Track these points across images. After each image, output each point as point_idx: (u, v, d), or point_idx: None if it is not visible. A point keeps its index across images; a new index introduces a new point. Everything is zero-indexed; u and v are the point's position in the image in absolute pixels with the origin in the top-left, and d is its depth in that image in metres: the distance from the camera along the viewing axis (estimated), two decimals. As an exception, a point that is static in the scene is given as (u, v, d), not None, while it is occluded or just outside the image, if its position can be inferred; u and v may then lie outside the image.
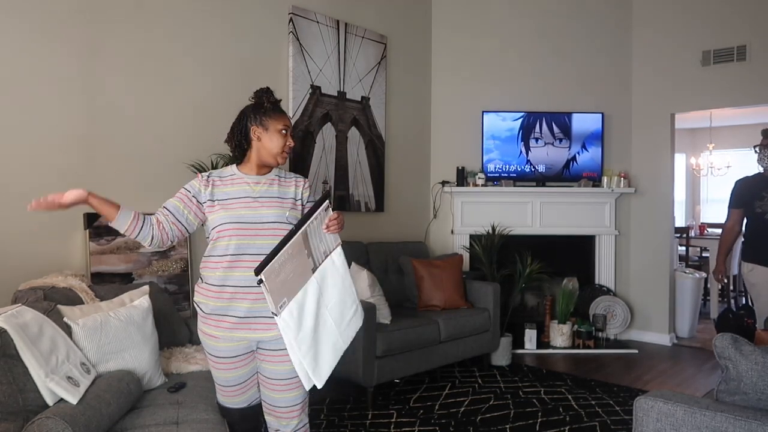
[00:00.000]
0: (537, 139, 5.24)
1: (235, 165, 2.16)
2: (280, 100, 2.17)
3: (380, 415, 3.43)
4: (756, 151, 3.84)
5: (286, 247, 1.84)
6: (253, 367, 2.13)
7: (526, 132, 5.23)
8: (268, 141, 2.08)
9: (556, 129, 5.24)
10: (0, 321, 1.92)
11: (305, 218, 1.92)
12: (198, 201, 2.07)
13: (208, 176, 2.12)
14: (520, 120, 5.22)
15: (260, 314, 2.00)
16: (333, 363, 2.00)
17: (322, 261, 1.99)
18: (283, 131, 2.10)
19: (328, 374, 1.99)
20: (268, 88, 2.14)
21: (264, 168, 2.14)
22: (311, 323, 1.92)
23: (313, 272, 1.95)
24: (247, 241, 1.99)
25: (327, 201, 1.98)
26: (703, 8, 5.01)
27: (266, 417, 2.15)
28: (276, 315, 1.84)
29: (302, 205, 2.15)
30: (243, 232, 2.00)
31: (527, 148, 5.24)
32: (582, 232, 5.37)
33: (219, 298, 2.02)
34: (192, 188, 2.08)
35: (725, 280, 4.02)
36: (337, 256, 2.04)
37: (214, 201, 2.05)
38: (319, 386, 1.96)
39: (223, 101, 3.67)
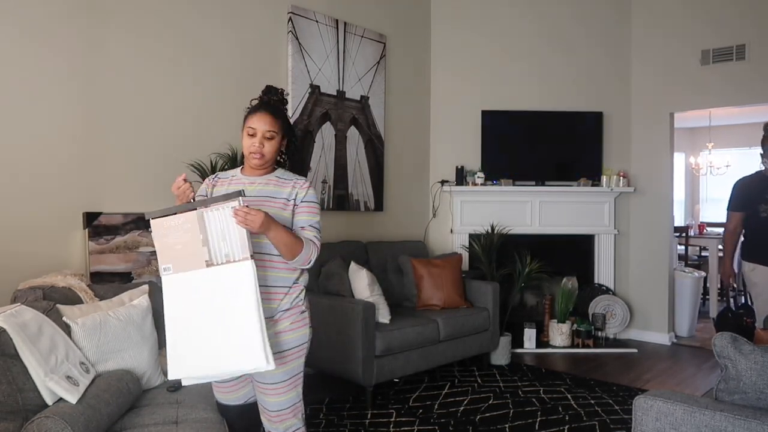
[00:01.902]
0: (540, 138, 5.23)
1: (239, 167, 2.18)
2: (273, 101, 2.12)
3: (379, 415, 3.43)
4: (761, 153, 3.76)
5: (179, 214, 1.85)
6: None
7: (529, 131, 5.23)
8: (242, 140, 2.08)
9: (558, 128, 5.24)
10: (-1, 320, 1.92)
11: (207, 200, 1.88)
12: None
13: (213, 177, 2.13)
14: (524, 119, 5.21)
15: None
16: (196, 374, 1.87)
17: (221, 263, 1.84)
18: (249, 132, 2.04)
19: (194, 378, 1.89)
20: (267, 87, 2.14)
21: (260, 169, 2.11)
22: (184, 314, 1.86)
23: (207, 266, 1.85)
24: None
25: (239, 199, 1.83)
26: (703, 7, 5.01)
27: (261, 417, 2.14)
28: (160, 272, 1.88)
29: (295, 204, 2.08)
30: None
31: (531, 147, 5.23)
32: (581, 232, 5.37)
33: None
34: (204, 193, 2.10)
35: (734, 284, 3.88)
36: (245, 271, 1.82)
37: None
38: (170, 377, 1.88)
39: (223, 100, 3.67)
